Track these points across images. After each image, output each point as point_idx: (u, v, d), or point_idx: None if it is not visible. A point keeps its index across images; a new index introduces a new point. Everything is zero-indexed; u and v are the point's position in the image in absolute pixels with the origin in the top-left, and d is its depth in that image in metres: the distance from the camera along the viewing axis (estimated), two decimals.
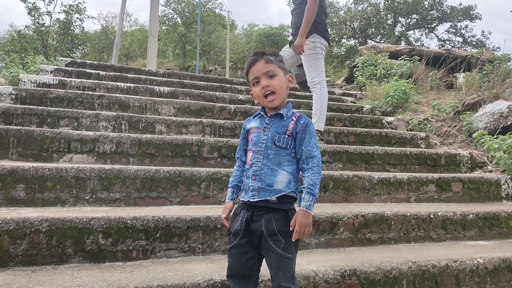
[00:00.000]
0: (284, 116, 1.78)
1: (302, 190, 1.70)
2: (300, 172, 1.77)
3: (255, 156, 1.76)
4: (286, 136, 1.75)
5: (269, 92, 1.75)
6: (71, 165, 2.58)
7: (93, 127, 3.79)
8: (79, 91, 4.41)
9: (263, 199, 1.70)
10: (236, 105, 4.96)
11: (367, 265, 2.28)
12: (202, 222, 2.37)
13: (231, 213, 1.81)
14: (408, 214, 2.93)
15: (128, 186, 2.68)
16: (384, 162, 4.04)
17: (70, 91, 4.40)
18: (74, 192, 2.56)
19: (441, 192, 3.60)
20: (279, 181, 1.72)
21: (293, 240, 1.67)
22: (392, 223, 2.87)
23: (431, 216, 3.00)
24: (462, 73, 7.54)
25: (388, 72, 8.04)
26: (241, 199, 1.79)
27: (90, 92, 4.47)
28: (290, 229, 1.66)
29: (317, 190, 1.70)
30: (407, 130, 5.53)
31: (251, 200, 1.71)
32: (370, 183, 3.35)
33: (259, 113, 1.84)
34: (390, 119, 5.56)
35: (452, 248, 2.81)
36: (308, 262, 2.28)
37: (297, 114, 1.81)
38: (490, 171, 4.26)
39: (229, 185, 1.88)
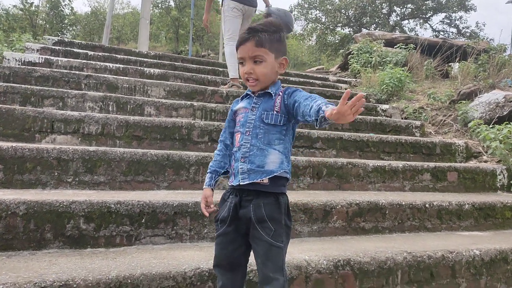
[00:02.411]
0: (272, 94, 1.67)
1: (321, 107, 1.42)
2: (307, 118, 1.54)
3: (243, 137, 1.64)
4: (275, 112, 1.63)
5: (251, 78, 1.64)
6: (52, 146, 2.45)
7: (78, 107, 3.64)
8: (65, 71, 4.25)
9: (254, 181, 1.58)
10: (228, 89, 4.82)
11: (361, 255, 2.19)
12: (190, 208, 2.26)
13: (214, 200, 1.70)
14: (403, 203, 2.84)
15: (113, 169, 2.55)
16: (378, 150, 3.95)
17: (56, 70, 4.23)
18: (56, 174, 2.43)
19: (436, 182, 3.52)
20: (270, 161, 1.61)
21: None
22: (387, 212, 2.78)
23: (427, 205, 2.92)
24: (458, 63, 7.44)
25: (383, 59, 7.92)
26: (229, 184, 1.67)
27: (77, 72, 4.30)
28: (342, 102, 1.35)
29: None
30: (402, 119, 5.44)
31: (241, 183, 1.59)
32: (364, 171, 3.25)
33: (247, 94, 1.73)
34: (385, 107, 5.47)
35: (447, 239, 2.74)
36: (300, 251, 2.19)
37: (283, 89, 1.69)
38: (486, 161, 4.20)
39: (208, 170, 1.76)
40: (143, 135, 3.18)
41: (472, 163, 4.18)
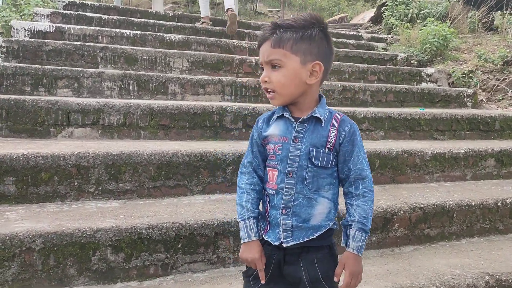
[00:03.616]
0: (322, 120, 1.26)
1: (351, 224, 1.25)
2: (343, 196, 1.31)
3: (284, 179, 1.26)
4: (327, 150, 1.25)
5: (269, 88, 1.25)
6: (70, 151, 2.10)
7: (96, 88, 3.26)
8: (79, 43, 3.82)
9: (300, 241, 1.25)
10: (257, 57, 4.34)
11: (438, 283, 1.85)
12: (233, 227, 1.92)
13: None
14: (473, 203, 2.46)
15: (140, 174, 2.21)
16: (431, 129, 3.50)
17: (68, 42, 3.82)
18: (76, 184, 2.11)
19: (501, 167, 3.10)
20: (318, 213, 1.26)
21: None
22: (455, 215, 2.41)
23: (499, 204, 2.53)
24: (503, 12, 6.64)
25: (421, 12, 7.20)
26: (264, 236, 1.31)
27: (92, 44, 3.87)
28: (335, 279, 1.25)
29: (370, 224, 1.25)
30: (449, 84, 4.92)
31: (284, 245, 1.26)
32: (421, 160, 2.85)
33: (281, 113, 1.30)
34: (430, 71, 4.92)
35: None
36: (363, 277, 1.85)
37: (338, 116, 1.28)
38: None
39: (246, 214, 1.30)
40: (170, 124, 2.81)
41: None
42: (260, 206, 1.35)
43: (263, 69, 1.27)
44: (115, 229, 1.74)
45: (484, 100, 4.62)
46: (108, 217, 1.86)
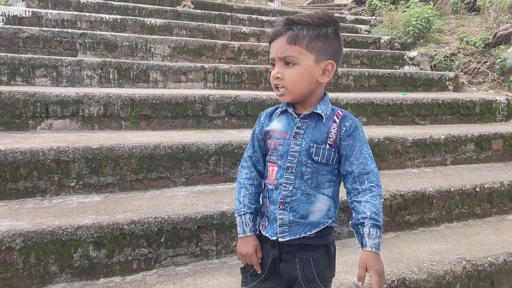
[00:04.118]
0: (324, 116, 1.26)
1: (363, 222, 1.21)
2: (346, 195, 1.30)
3: (283, 174, 1.26)
4: (328, 146, 1.25)
5: (280, 85, 1.24)
6: (49, 146, 2.07)
7: (75, 77, 3.20)
8: (57, 29, 3.73)
9: (297, 237, 1.25)
10: (240, 42, 4.30)
11: (416, 270, 1.89)
12: (216, 220, 1.93)
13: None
14: (452, 189, 2.51)
15: (121, 167, 2.20)
16: (413, 114, 3.54)
17: (46, 29, 3.72)
18: (56, 178, 2.08)
19: (480, 152, 3.16)
20: (317, 210, 1.26)
21: None
22: (434, 201, 2.46)
23: (477, 189, 2.59)
24: None
25: None
26: (262, 230, 1.32)
27: (70, 30, 3.78)
28: (359, 284, 1.22)
29: (382, 220, 1.23)
30: (431, 67, 4.95)
31: (280, 239, 1.26)
32: (403, 146, 2.88)
33: (285, 108, 1.31)
34: (412, 54, 4.94)
35: (502, 229, 2.44)
36: (344, 265, 1.89)
37: (340, 113, 1.28)
38: None
39: (241, 207, 1.33)
40: (151, 114, 2.78)
41: None
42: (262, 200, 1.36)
43: (274, 65, 1.25)
44: (96, 225, 1.73)
45: (466, 83, 4.67)
46: (89, 213, 1.85)
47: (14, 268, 1.63)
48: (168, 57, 3.96)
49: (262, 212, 1.34)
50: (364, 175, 1.24)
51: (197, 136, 2.54)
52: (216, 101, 2.92)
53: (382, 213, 1.23)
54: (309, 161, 1.24)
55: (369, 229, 1.20)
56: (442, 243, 2.21)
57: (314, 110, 1.26)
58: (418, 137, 2.93)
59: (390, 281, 1.80)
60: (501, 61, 4.50)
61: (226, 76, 3.60)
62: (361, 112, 3.34)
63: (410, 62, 4.88)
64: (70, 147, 2.10)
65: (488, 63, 4.77)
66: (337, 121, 1.26)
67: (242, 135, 2.68)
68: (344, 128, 1.25)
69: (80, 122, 2.64)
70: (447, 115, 3.66)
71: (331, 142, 1.24)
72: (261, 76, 3.71)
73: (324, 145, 1.24)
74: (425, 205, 2.43)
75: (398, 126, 3.43)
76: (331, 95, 3.34)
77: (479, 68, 4.78)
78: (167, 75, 3.44)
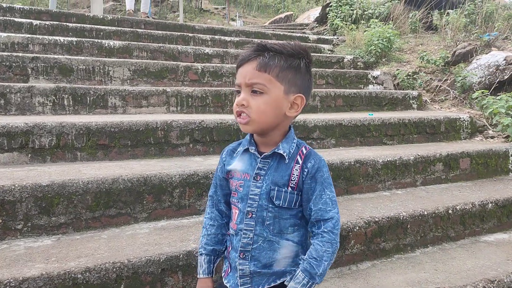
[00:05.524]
0: (286, 157, 1.15)
1: (299, 262, 1.14)
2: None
3: (243, 219, 1.16)
4: (289, 189, 1.15)
5: (243, 113, 1.13)
6: None
7: (26, 104, 2.97)
8: (6, 53, 3.48)
9: None
10: (204, 64, 4.18)
11: None
12: (182, 261, 1.77)
13: None
14: (426, 213, 2.45)
15: (76, 205, 2.00)
16: (381, 134, 3.51)
17: None
18: (0, 221, 1.86)
19: (448, 171, 3.14)
20: (282, 258, 1.15)
21: None
22: (409, 226, 2.39)
23: (450, 211, 2.54)
24: (449, 11, 6.84)
25: (365, 12, 7.33)
26: (223, 279, 1.20)
27: (21, 54, 3.54)
28: None
29: (321, 270, 1.10)
30: (394, 86, 4.99)
31: None
32: (373, 169, 2.82)
33: (247, 147, 1.20)
34: (375, 73, 4.98)
35: (477, 253, 2.39)
36: None
37: (304, 151, 1.18)
38: (492, 137, 3.85)
39: (201, 249, 1.27)
40: (109, 143, 2.59)
41: (478, 140, 3.83)
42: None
43: (239, 92, 1.14)
44: (45, 276, 1.53)
45: (429, 101, 4.73)
46: (38, 261, 1.65)
47: None
48: (128, 81, 3.78)
49: (226, 256, 1.23)
50: (322, 221, 1.14)
51: (159, 166, 2.37)
52: (179, 127, 2.77)
53: (325, 264, 1.11)
54: (270, 205, 1.14)
55: (299, 271, 1.11)
56: (420, 271, 2.13)
57: (276, 150, 1.16)
58: (388, 159, 2.88)
59: None
60: (461, 79, 4.59)
61: (189, 99, 3.46)
62: (329, 134, 3.28)
63: (374, 81, 4.91)
64: (16, 185, 1.89)
65: (449, 81, 4.86)
66: (300, 161, 1.16)
67: (208, 163, 2.54)
68: (306, 170, 1.15)
69: (30, 155, 2.41)
70: (414, 134, 3.66)
71: (293, 184, 1.14)
72: (226, 98, 3.60)
73: (286, 188, 1.14)
74: (400, 230, 2.36)
75: (367, 147, 3.38)
76: (298, 117, 3.27)
77: (440, 86, 4.86)
78: (127, 100, 3.26)
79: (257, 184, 1.14)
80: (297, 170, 1.14)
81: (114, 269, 1.64)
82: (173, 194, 2.21)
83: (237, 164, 1.19)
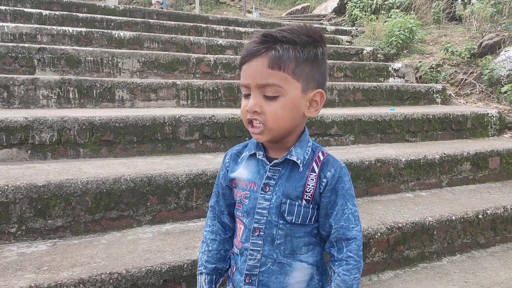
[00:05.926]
0: (300, 164, 0.97)
1: None
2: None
3: (249, 236, 0.98)
4: (304, 202, 0.97)
5: (256, 120, 0.94)
6: None
7: (29, 97, 2.85)
8: (12, 44, 3.36)
9: None
10: (216, 55, 4.01)
11: None
12: (186, 271, 1.61)
13: None
14: (454, 218, 2.25)
15: (74, 207, 1.86)
16: (403, 130, 3.29)
17: (0, 43, 3.36)
18: None
19: (476, 171, 2.92)
20: (294, 282, 0.98)
21: None
22: (435, 232, 2.19)
23: (479, 216, 2.33)
24: (474, 0, 6.51)
25: (385, 2, 7.04)
26: None
27: (27, 45, 3.42)
28: None
29: None
30: (416, 79, 4.75)
31: None
32: (396, 169, 2.62)
33: (253, 151, 1.02)
34: (397, 65, 4.73)
35: (509, 261, 2.18)
36: None
37: (320, 157, 0.99)
38: None
39: (201, 268, 1.09)
40: (114, 139, 2.45)
41: (508, 138, 3.58)
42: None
43: (248, 95, 0.95)
44: None
45: (453, 95, 4.47)
46: (28, 270, 1.51)
47: None
48: (138, 73, 3.63)
49: (229, 276, 1.07)
50: (343, 241, 0.97)
51: (166, 165, 2.22)
52: (188, 122, 2.61)
53: None
54: (281, 222, 0.96)
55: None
56: (448, 284, 1.93)
57: (288, 156, 0.98)
58: (412, 158, 2.67)
59: None
60: (489, 71, 4.32)
61: (200, 92, 3.30)
62: (348, 130, 3.08)
63: (395, 74, 4.67)
64: (10, 185, 1.76)
65: (475, 74, 4.59)
66: (317, 169, 0.98)
67: (218, 161, 2.37)
68: (324, 180, 0.97)
69: (30, 151, 2.28)
70: (438, 131, 3.43)
71: (309, 197, 0.96)
72: (239, 92, 3.42)
73: (299, 201, 0.96)
74: (425, 237, 2.16)
75: (388, 144, 3.17)
76: None
77: (466, 79, 4.59)
78: (135, 93, 3.11)
79: (265, 196, 0.97)
80: (313, 179, 0.97)
81: (111, 281, 1.49)
82: (179, 195, 2.06)
83: (242, 172, 1.02)
